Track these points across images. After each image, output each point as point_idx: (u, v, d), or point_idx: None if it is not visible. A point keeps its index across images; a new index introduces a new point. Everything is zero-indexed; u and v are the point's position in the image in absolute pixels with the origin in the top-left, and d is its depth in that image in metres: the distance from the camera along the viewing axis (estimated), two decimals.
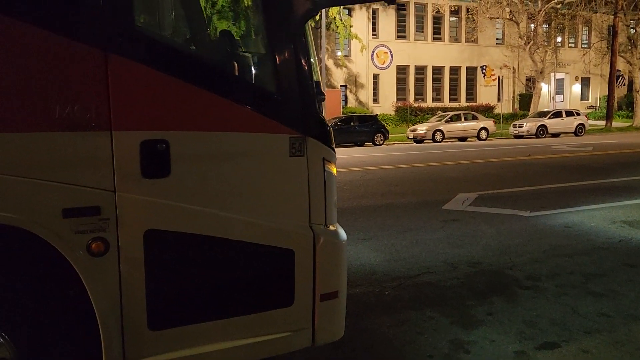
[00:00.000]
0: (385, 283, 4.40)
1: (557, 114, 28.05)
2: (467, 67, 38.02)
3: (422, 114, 34.17)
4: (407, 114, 34.30)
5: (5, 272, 2.00)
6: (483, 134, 26.71)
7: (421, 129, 26.28)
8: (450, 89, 38.08)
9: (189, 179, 2.17)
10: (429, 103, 36.62)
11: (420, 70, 37.02)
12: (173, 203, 2.14)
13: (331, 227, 2.56)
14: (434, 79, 37.59)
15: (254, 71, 2.66)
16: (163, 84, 2.11)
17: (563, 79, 41.32)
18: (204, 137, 2.21)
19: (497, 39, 38.51)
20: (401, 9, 35.68)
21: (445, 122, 26.71)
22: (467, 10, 35.56)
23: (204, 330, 2.27)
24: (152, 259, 2.12)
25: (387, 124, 28.18)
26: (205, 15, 2.68)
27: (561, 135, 27.36)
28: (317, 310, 2.47)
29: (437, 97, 37.76)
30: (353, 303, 3.63)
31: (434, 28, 37.27)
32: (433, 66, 37.18)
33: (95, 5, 1.97)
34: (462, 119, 27.19)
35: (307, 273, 2.43)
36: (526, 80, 37.64)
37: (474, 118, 27.60)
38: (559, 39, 39.11)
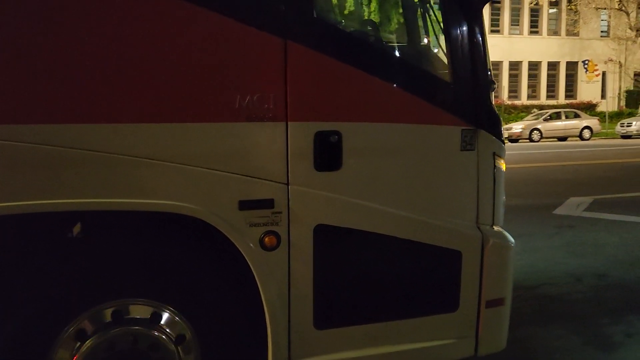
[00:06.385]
0: None
1: None
2: (567, 62, 35.65)
3: (516, 112, 32.47)
4: (500, 112, 32.71)
5: (181, 259, 1.98)
6: (586, 134, 24.90)
7: (517, 127, 24.98)
8: (547, 86, 35.89)
9: (360, 172, 2.06)
10: (523, 100, 34.75)
11: (514, 66, 35.18)
12: (344, 198, 2.04)
13: (497, 228, 2.35)
14: (529, 75, 35.62)
15: (427, 58, 2.50)
16: (337, 72, 2.00)
17: None
18: (376, 128, 2.08)
19: (601, 31, 35.72)
20: (495, 2, 34.12)
21: (543, 120, 25.21)
22: (569, 0, 33.29)
23: (368, 332, 2.17)
24: (321, 255, 2.02)
25: None
26: (377, 2, 2.55)
27: None
28: (482, 318, 2.29)
29: (533, 94, 35.77)
30: None
31: (531, 21, 35.29)
32: (529, 61, 35.23)
33: None
34: (563, 117, 25.55)
35: (473, 277, 2.26)
36: (635, 75, 34.60)
37: (576, 116, 25.81)
38: None
